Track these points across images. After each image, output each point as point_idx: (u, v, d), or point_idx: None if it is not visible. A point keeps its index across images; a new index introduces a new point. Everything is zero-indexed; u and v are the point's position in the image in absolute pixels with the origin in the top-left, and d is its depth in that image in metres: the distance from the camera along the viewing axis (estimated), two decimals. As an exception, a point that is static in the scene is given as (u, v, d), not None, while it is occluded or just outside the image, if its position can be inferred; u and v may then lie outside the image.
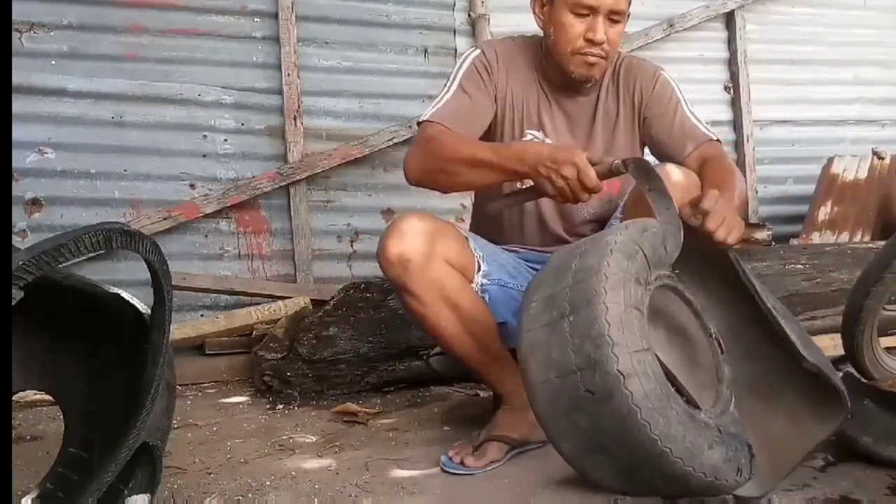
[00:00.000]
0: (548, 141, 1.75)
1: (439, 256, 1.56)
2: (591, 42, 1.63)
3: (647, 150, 1.82)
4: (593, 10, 1.61)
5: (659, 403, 1.15)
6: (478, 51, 1.76)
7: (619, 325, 1.16)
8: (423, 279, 1.54)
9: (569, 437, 1.25)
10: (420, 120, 1.70)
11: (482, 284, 1.65)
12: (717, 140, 1.71)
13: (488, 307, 1.65)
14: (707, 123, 1.73)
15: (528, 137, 1.75)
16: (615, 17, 1.63)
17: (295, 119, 3.03)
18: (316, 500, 1.41)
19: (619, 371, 1.13)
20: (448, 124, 1.63)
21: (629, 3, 1.66)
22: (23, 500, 1.22)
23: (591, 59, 1.65)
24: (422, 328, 1.68)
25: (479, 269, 1.65)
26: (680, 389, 1.32)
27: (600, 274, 1.20)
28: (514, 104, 1.75)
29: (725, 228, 1.29)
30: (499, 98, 1.74)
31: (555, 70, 1.73)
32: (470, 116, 1.68)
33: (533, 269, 1.78)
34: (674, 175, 1.57)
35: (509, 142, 1.72)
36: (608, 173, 1.44)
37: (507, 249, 1.80)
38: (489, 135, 1.75)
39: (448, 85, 1.72)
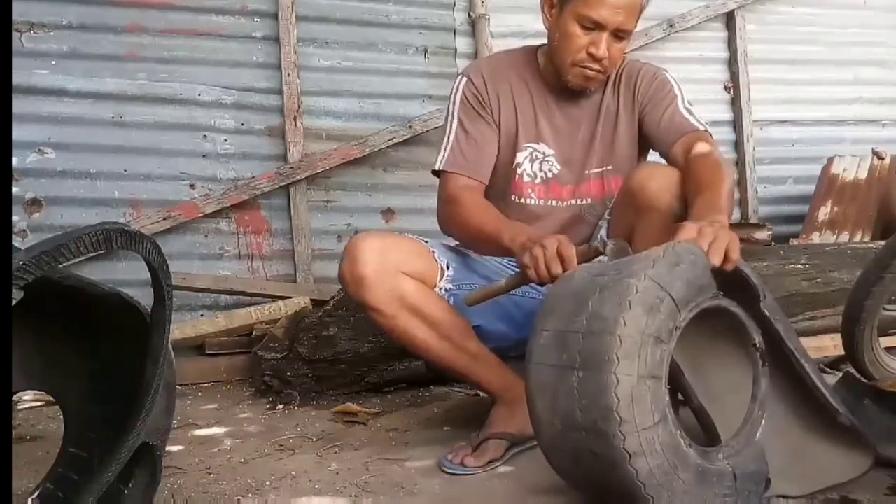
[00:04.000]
0: (549, 151, 1.76)
1: (392, 268, 1.57)
2: (592, 56, 1.63)
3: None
4: (600, 26, 1.60)
5: (665, 479, 1.11)
6: (465, 79, 1.77)
7: (630, 401, 1.09)
8: (380, 291, 1.55)
9: (570, 475, 1.25)
10: (436, 168, 1.75)
11: (448, 289, 1.66)
12: (707, 131, 1.68)
13: (457, 310, 1.65)
14: (707, 123, 1.72)
15: (528, 151, 1.76)
16: (620, 34, 1.62)
17: (295, 119, 3.03)
18: (316, 500, 1.41)
19: (625, 449, 1.09)
20: (465, 172, 1.71)
21: (636, 22, 1.64)
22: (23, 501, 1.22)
23: (590, 73, 1.66)
24: (397, 343, 1.68)
25: (443, 276, 1.66)
26: (703, 422, 1.30)
27: (614, 336, 1.11)
28: (509, 123, 1.76)
29: (715, 255, 1.21)
30: (496, 119, 1.76)
31: (554, 74, 1.73)
32: (478, 154, 1.73)
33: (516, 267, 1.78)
34: (653, 177, 1.55)
35: (514, 217, 1.72)
36: (587, 253, 1.44)
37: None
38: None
39: (449, 122, 1.76)
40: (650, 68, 1.79)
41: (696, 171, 1.53)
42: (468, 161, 1.72)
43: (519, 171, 1.77)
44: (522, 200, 1.77)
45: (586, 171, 1.77)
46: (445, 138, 1.75)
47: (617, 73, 1.77)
